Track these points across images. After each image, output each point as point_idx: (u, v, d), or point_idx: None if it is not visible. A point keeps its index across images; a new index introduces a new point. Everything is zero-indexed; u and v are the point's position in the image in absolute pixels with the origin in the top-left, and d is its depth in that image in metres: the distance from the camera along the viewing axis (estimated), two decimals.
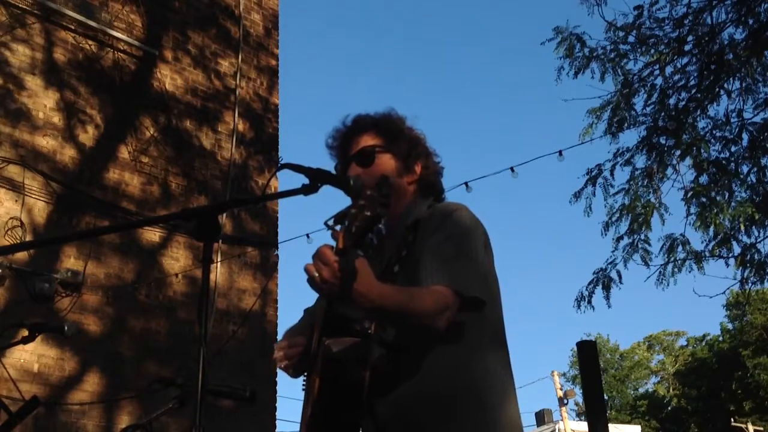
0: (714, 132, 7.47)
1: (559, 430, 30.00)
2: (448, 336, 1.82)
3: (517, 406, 1.93)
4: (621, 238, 7.56)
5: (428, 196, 2.08)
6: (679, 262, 7.44)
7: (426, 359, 1.85)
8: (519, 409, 1.93)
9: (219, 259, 7.79)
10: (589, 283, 7.65)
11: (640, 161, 7.56)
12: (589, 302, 7.62)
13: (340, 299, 1.62)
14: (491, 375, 1.88)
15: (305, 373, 2.03)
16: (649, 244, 7.50)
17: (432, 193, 2.10)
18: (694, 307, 68.41)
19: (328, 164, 2.16)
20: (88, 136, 7.37)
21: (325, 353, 1.76)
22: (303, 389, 2.03)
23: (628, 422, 38.10)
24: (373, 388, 1.77)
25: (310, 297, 2.27)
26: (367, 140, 2.04)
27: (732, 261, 7.41)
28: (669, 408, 40.91)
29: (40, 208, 6.83)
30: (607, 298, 7.58)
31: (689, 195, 7.36)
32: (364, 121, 2.09)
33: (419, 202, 2.04)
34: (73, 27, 7.54)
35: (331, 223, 1.61)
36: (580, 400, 28.99)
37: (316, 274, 1.56)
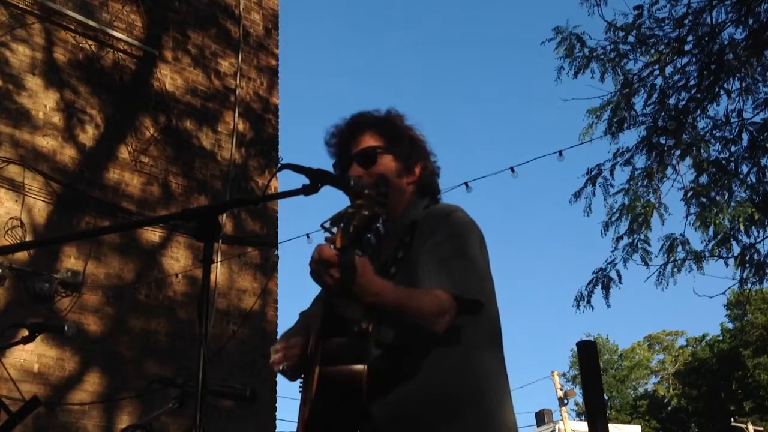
0: (714, 132, 7.48)
1: (559, 430, 30.00)
2: (446, 338, 1.82)
3: (513, 407, 1.94)
4: (621, 238, 7.56)
5: (425, 197, 2.08)
6: (679, 262, 7.44)
7: (424, 361, 1.84)
8: (514, 411, 1.94)
9: (219, 259, 7.79)
10: (589, 283, 7.66)
11: (640, 161, 7.57)
12: (589, 302, 7.63)
13: (341, 293, 1.62)
14: (489, 377, 1.89)
15: (302, 376, 2.03)
16: (649, 244, 7.51)
17: (429, 193, 2.10)
18: (694, 307, 68.43)
19: (329, 165, 2.16)
20: (88, 136, 7.38)
21: (323, 353, 1.76)
22: (300, 390, 2.03)
23: (628, 422, 38.10)
24: (370, 389, 1.77)
25: (310, 297, 2.27)
26: (369, 140, 2.04)
27: (732, 261, 7.41)
28: (669, 408, 40.92)
29: (40, 208, 6.83)
30: (607, 298, 7.59)
31: (689, 195, 7.37)
32: (366, 120, 2.08)
33: (416, 204, 2.04)
34: (73, 27, 7.54)
35: (327, 225, 1.61)
36: (580, 400, 29.00)
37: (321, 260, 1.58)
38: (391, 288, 1.70)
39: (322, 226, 1.64)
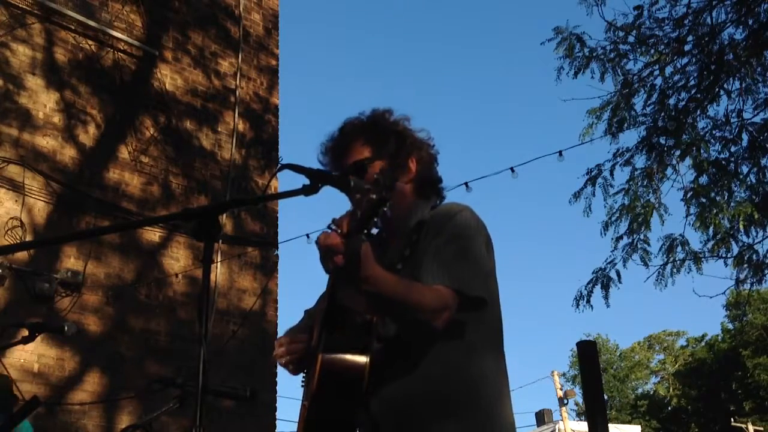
0: (714, 132, 7.47)
1: (559, 430, 29.99)
2: (447, 335, 1.82)
3: (512, 409, 1.94)
4: (620, 238, 7.56)
5: (429, 195, 2.08)
6: (678, 262, 7.43)
7: (424, 357, 1.85)
8: (513, 412, 1.94)
9: (219, 259, 7.79)
10: (588, 283, 7.66)
11: (640, 161, 7.57)
12: (588, 301, 7.63)
13: (344, 279, 1.63)
14: (488, 376, 1.88)
15: (305, 372, 2.03)
16: (648, 245, 7.50)
17: (432, 189, 2.10)
18: (694, 307, 68.43)
19: None
20: (88, 136, 7.38)
21: (326, 343, 1.76)
22: (302, 386, 2.03)
23: (628, 422, 38.10)
24: (370, 382, 1.77)
25: (310, 297, 2.27)
26: (358, 150, 2.03)
27: (731, 261, 7.41)
28: (669, 408, 40.92)
29: (40, 208, 6.83)
30: (606, 297, 7.59)
31: (689, 195, 7.37)
32: (351, 130, 2.08)
33: (422, 203, 2.05)
34: (73, 27, 7.54)
35: (333, 226, 1.62)
36: (580, 400, 29.00)
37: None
38: (392, 278, 1.70)
39: (329, 227, 1.65)
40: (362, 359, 1.75)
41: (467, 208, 1.98)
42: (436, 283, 1.79)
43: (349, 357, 1.75)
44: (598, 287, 7.59)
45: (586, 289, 7.65)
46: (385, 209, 1.54)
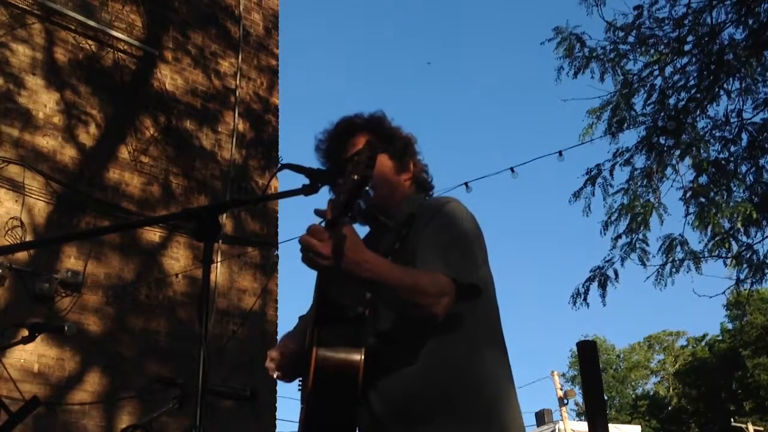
0: (714, 132, 7.48)
1: (559, 430, 29.99)
2: (446, 331, 1.81)
3: (518, 406, 1.92)
4: (619, 237, 7.56)
5: (421, 192, 2.12)
6: (678, 262, 7.44)
7: (423, 355, 1.83)
8: (519, 409, 1.92)
9: (219, 259, 7.79)
10: (586, 281, 7.66)
11: (640, 161, 7.57)
12: (585, 299, 7.63)
13: (336, 271, 1.61)
14: (489, 376, 1.87)
15: (300, 377, 2.03)
16: (647, 244, 7.50)
17: (425, 189, 2.13)
18: (694, 307, 68.38)
19: None
20: (88, 136, 7.38)
21: (319, 340, 1.74)
22: (299, 389, 2.03)
23: (628, 422, 38.09)
24: (368, 378, 1.75)
25: (310, 297, 2.27)
26: (363, 141, 2.03)
27: (730, 261, 7.41)
28: (669, 408, 40.91)
29: (40, 208, 6.83)
30: (603, 296, 7.58)
31: (688, 195, 7.37)
32: (356, 123, 2.10)
33: (413, 198, 2.07)
34: (73, 27, 7.54)
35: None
36: (580, 400, 28.99)
37: (313, 242, 1.58)
38: (386, 262, 1.70)
39: (315, 211, 1.66)
40: (357, 351, 1.73)
41: (455, 200, 1.99)
42: (432, 270, 1.78)
43: (342, 349, 1.74)
44: (595, 285, 7.60)
45: (583, 286, 7.66)
46: (367, 189, 1.55)
